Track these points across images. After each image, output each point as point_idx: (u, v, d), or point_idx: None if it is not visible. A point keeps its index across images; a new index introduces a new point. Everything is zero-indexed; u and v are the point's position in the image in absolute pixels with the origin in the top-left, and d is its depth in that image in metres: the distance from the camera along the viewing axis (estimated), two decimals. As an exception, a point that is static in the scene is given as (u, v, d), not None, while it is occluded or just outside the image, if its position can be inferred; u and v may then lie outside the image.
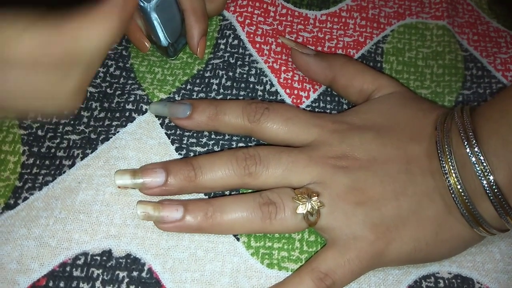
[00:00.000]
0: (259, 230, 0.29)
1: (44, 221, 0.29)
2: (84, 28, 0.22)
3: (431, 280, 0.30)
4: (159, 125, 0.33)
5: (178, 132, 0.33)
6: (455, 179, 0.27)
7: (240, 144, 0.33)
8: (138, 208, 0.28)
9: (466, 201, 0.27)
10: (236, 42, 0.38)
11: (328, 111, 0.36)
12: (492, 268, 0.30)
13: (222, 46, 0.38)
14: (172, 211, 0.28)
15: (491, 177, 0.26)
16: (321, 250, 0.29)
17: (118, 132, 0.33)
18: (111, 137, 0.32)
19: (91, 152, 0.32)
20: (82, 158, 0.31)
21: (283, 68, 0.37)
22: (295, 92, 0.36)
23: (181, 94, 0.35)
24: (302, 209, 0.28)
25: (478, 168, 0.26)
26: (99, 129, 0.33)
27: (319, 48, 0.39)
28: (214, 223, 0.28)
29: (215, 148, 0.33)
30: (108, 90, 0.34)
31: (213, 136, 0.33)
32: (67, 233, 0.29)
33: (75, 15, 0.22)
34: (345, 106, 0.36)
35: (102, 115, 0.33)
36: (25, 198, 0.30)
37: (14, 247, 0.28)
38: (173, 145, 0.33)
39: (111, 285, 0.27)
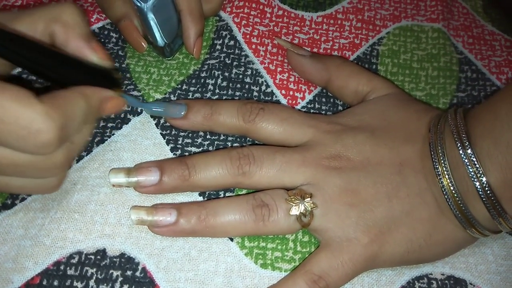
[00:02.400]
0: (253, 232, 0.29)
1: (40, 221, 0.29)
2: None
3: (424, 281, 0.30)
4: (154, 126, 0.33)
5: (173, 132, 0.33)
6: (448, 180, 0.27)
7: (235, 145, 0.33)
8: (132, 213, 0.28)
9: (459, 202, 0.27)
10: (232, 42, 0.38)
11: (323, 112, 0.36)
12: (484, 269, 0.30)
13: (218, 47, 0.38)
14: (166, 215, 0.28)
15: (484, 179, 0.26)
16: (315, 252, 0.29)
17: (113, 134, 0.33)
18: (106, 140, 0.32)
19: (86, 155, 0.32)
20: (77, 161, 0.31)
21: (279, 69, 0.37)
22: (291, 93, 0.36)
23: (176, 94, 0.35)
24: (295, 210, 0.28)
25: (471, 170, 0.27)
26: (94, 131, 0.33)
27: (315, 50, 0.39)
28: (208, 226, 0.28)
29: (210, 148, 0.33)
30: (104, 90, 0.34)
31: (208, 136, 0.34)
32: (61, 232, 0.29)
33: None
34: (340, 108, 0.36)
35: (97, 115, 0.33)
36: (23, 199, 0.30)
37: (11, 247, 0.28)
38: (168, 145, 0.33)
39: (105, 284, 0.27)
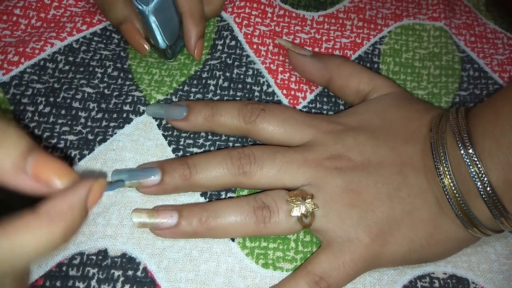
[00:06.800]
0: (254, 234, 0.29)
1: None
2: (19, 234, 0.18)
3: (426, 280, 0.30)
4: (156, 126, 0.33)
5: (175, 133, 0.33)
6: (450, 180, 0.27)
7: (237, 145, 0.33)
8: (133, 217, 0.28)
9: (461, 202, 0.27)
10: (233, 43, 0.38)
11: (325, 111, 0.36)
12: (487, 269, 0.30)
13: (219, 47, 0.38)
14: (167, 217, 0.28)
15: (485, 179, 0.26)
16: (316, 252, 0.29)
17: (115, 133, 0.33)
18: (108, 139, 0.33)
19: (88, 154, 0.32)
20: (79, 159, 0.32)
21: (280, 69, 0.37)
22: (292, 93, 0.36)
23: (178, 95, 0.35)
24: (296, 211, 0.28)
25: (472, 170, 0.27)
26: (96, 130, 0.33)
27: (316, 49, 0.39)
28: (209, 227, 0.28)
29: (212, 149, 0.33)
30: (105, 91, 0.34)
31: (209, 137, 0.34)
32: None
33: (11, 219, 0.19)
34: (341, 107, 0.36)
35: (99, 116, 0.33)
36: None
37: None
38: (170, 146, 0.33)
39: (106, 284, 0.28)
